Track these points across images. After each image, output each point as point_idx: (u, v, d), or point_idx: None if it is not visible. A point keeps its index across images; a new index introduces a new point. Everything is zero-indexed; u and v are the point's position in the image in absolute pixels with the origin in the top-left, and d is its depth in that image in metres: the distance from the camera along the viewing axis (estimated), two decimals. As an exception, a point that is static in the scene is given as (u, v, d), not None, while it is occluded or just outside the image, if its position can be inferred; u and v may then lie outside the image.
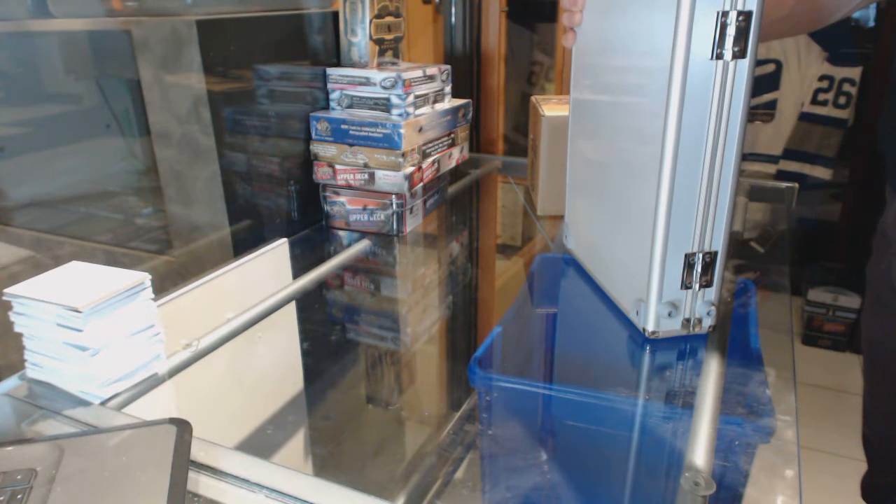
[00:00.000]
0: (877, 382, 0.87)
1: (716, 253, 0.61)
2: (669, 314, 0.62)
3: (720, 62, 0.54)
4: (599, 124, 0.73)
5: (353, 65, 1.00)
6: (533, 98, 1.10)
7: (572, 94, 0.80)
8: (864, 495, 0.92)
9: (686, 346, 0.65)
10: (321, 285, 0.84)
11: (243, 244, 0.88)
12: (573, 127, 0.82)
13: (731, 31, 0.53)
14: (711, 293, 0.63)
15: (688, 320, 0.64)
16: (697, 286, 0.63)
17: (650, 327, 0.64)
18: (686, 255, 0.61)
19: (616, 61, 0.67)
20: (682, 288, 0.62)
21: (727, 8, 0.53)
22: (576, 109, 0.80)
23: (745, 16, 0.53)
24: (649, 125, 0.59)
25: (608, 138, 0.71)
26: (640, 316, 0.65)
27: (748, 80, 0.55)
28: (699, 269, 0.62)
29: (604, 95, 0.71)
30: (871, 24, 2.24)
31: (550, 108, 1.01)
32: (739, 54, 0.54)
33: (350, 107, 0.98)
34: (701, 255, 0.61)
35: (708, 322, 0.64)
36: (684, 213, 0.59)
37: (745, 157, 0.65)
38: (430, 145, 1.00)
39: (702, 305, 0.63)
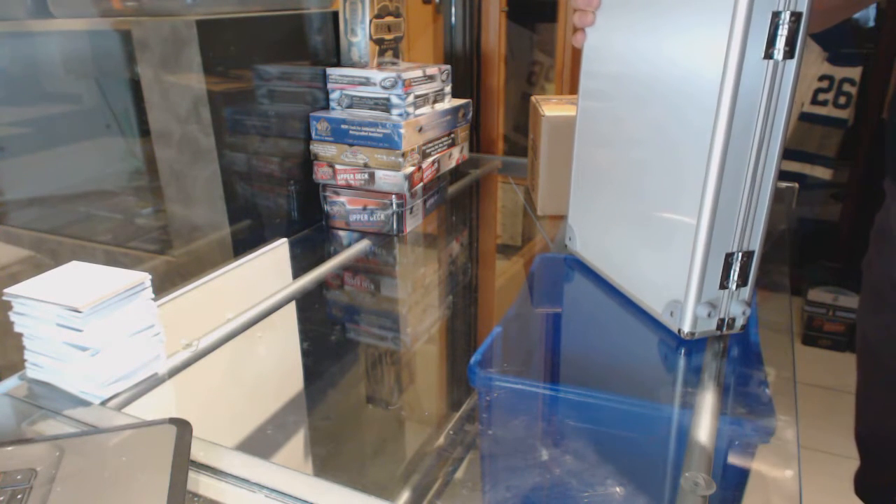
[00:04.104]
0: (871, 379, 0.87)
1: (753, 252, 0.62)
2: (709, 315, 0.63)
3: (771, 62, 0.55)
4: (619, 128, 0.73)
5: (353, 65, 1.00)
6: (533, 98, 1.10)
7: (581, 97, 0.79)
8: (858, 492, 0.92)
9: (720, 346, 0.65)
10: (321, 285, 0.84)
11: (243, 244, 0.88)
12: (581, 130, 0.81)
13: (782, 31, 0.54)
14: (746, 292, 0.63)
15: (722, 320, 0.64)
16: (735, 286, 0.63)
17: (687, 328, 0.64)
18: (726, 255, 0.61)
19: (644, 63, 0.66)
20: (719, 288, 0.62)
21: (780, 8, 0.53)
22: (585, 112, 0.79)
23: (796, 16, 0.54)
24: (692, 127, 0.59)
25: (632, 142, 0.70)
26: (674, 317, 0.65)
27: (795, 80, 0.56)
28: (737, 269, 0.62)
29: (626, 98, 0.71)
30: (871, 24, 2.24)
31: (550, 108, 1.01)
32: (789, 54, 0.55)
33: (350, 107, 0.98)
34: (740, 255, 0.61)
35: (741, 322, 0.64)
36: (728, 213, 0.60)
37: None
38: (430, 145, 1.00)
39: (737, 305, 0.63)
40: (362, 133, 0.94)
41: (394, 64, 1.04)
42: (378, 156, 0.93)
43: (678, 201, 0.63)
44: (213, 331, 0.68)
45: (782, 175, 0.62)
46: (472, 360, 0.63)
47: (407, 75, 0.93)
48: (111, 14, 0.87)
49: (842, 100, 2.23)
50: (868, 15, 2.24)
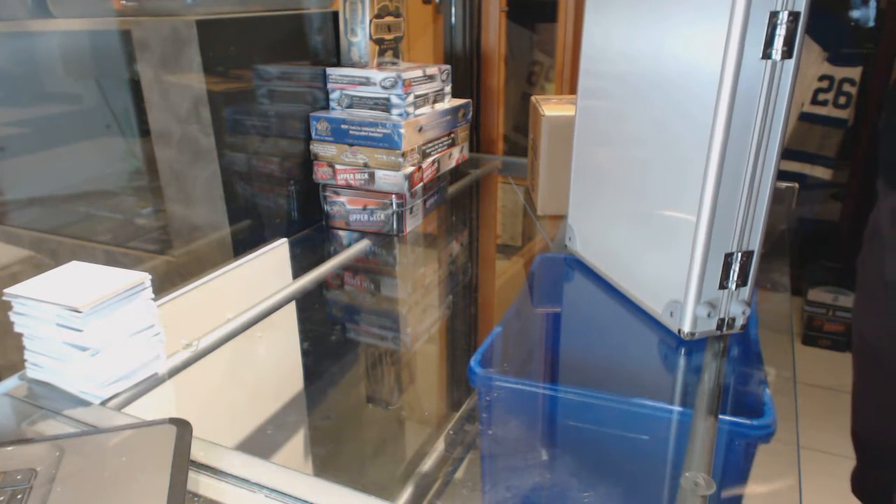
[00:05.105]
0: (867, 377, 0.87)
1: (752, 252, 0.62)
2: (709, 315, 0.63)
3: (769, 62, 0.55)
4: (619, 127, 0.73)
5: (353, 65, 1.00)
6: (533, 98, 1.10)
7: (580, 97, 0.79)
8: (856, 491, 0.93)
9: (719, 346, 0.65)
10: (321, 285, 0.84)
11: (243, 244, 0.88)
12: (580, 131, 0.81)
13: (780, 31, 0.54)
14: (745, 292, 0.64)
15: (722, 320, 0.64)
16: (734, 286, 0.63)
17: (687, 328, 0.64)
18: (726, 255, 0.61)
19: (643, 63, 0.67)
20: (719, 288, 0.63)
21: (778, 8, 0.54)
22: (585, 112, 0.79)
23: (794, 16, 0.54)
24: (691, 127, 0.60)
25: (632, 141, 0.70)
26: (674, 317, 0.65)
27: (793, 80, 0.56)
28: (736, 269, 0.62)
29: (625, 97, 0.71)
30: (871, 24, 2.24)
31: (550, 108, 1.01)
32: (787, 54, 0.55)
33: (350, 107, 0.98)
34: (739, 255, 0.61)
35: (741, 321, 0.64)
36: (727, 213, 0.60)
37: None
38: (430, 145, 1.00)
39: (736, 305, 0.64)
40: (362, 133, 0.94)
41: (394, 64, 1.04)
42: (378, 156, 0.93)
43: (678, 201, 0.63)
44: (213, 331, 0.68)
45: (782, 175, 0.62)
46: (472, 360, 0.63)
47: (407, 75, 0.93)
48: (111, 14, 0.87)
49: (842, 100, 2.23)
50: (868, 15, 2.24)
